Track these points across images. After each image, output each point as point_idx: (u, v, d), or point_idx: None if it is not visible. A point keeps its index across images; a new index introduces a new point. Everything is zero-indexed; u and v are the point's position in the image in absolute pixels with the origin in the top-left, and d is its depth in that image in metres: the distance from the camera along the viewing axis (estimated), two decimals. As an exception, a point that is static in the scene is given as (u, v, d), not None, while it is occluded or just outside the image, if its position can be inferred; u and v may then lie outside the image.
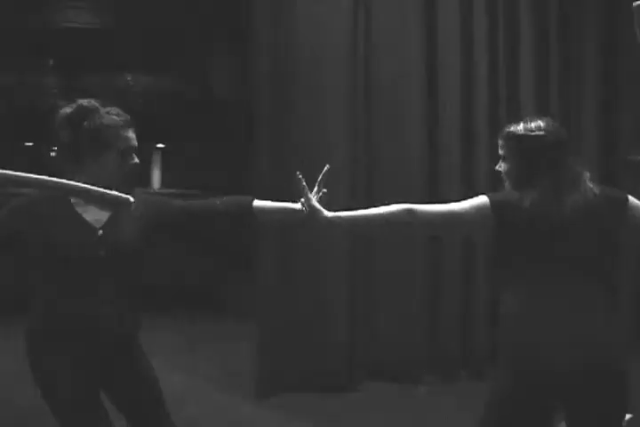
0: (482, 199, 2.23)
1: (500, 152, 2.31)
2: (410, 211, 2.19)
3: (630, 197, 2.21)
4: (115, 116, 2.20)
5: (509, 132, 2.27)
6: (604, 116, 4.86)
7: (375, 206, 2.26)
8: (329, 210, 2.28)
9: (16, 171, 1.97)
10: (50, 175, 2.14)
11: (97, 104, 2.21)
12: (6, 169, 1.96)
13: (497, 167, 2.32)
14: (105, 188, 2.13)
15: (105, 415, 2.24)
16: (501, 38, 4.60)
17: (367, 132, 4.44)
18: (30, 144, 10.86)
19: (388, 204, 2.28)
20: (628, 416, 3.09)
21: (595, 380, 2.08)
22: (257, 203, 2.37)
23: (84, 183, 2.12)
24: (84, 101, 2.20)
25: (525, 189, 2.20)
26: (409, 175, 4.44)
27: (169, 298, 6.16)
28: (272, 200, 2.44)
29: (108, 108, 2.22)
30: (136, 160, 2.26)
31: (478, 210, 2.21)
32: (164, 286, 6.15)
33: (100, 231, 2.21)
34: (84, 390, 2.22)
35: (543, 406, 2.14)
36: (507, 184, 2.29)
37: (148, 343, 2.46)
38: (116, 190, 2.13)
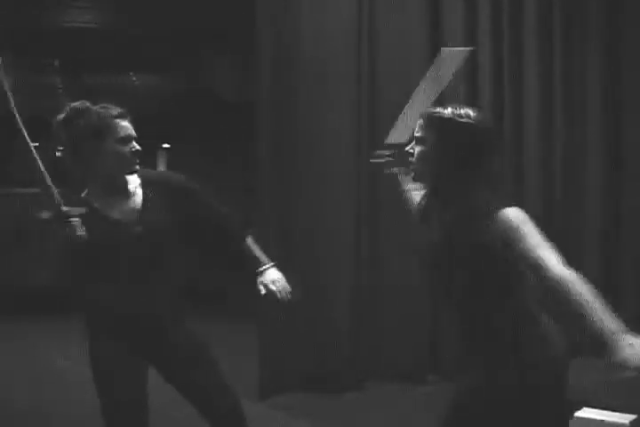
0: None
1: (418, 133, 2.04)
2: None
3: (504, 211, 1.88)
4: (108, 109, 2.29)
5: (434, 112, 2.01)
6: (610, 117, 4.84)
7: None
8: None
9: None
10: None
11: (88, 104, 2.30)
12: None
13: (408, 148, 2.07)
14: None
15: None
16: (506, 39, 4.59)
17: (371, 133, 4.44)
18: (36, 144, 10.89)
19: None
20: (632, 417, 3.08)
21: None
22: (247, 242, 2.52)
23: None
24: (75, 104, 2.30)
25: (431, 179, 2.04)
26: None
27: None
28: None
29: (101, 105, 2.31)
30: (137, 147, 2.32)
31: None
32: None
33: (138, 228, 2.33)
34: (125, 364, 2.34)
35: None
36: (412, 168, 2.05)
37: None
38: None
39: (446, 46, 2.07)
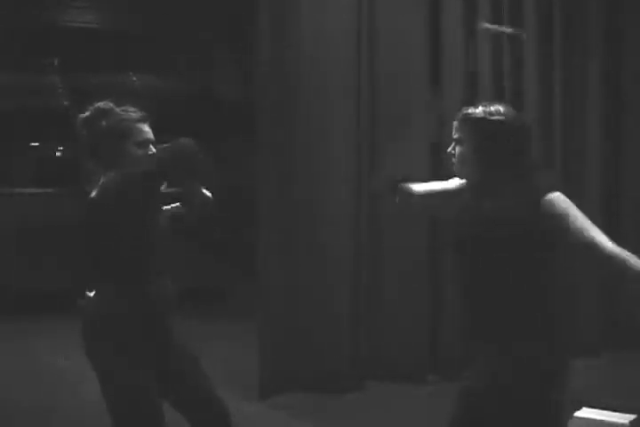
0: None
1: (455, 135, 2.14)
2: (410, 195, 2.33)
3: (549, 197, 2.00)
4: (130, 113, 2.34)
5: (467, 114, 2.11)
6: (610, 116, 4.85)
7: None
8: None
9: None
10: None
11: (112, 105, 2.35)
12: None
13: (449, 150, 2.17)
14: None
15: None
16: (506, 39, 4.59)
17: (370, 132, 4.44)
18: (36, 144, 10.87)
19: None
20: (632, 417, 3.08)
21: None
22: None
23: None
24: (100, 103, 2.35)
25: (474, 176, 2.14)
26: (413, 175, 4.42)
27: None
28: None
29: (124, 107, 2.36)
30: (153, 150, 2.35)
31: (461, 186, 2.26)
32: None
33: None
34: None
35: None
36: (455, 168, 2.17)
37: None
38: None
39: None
